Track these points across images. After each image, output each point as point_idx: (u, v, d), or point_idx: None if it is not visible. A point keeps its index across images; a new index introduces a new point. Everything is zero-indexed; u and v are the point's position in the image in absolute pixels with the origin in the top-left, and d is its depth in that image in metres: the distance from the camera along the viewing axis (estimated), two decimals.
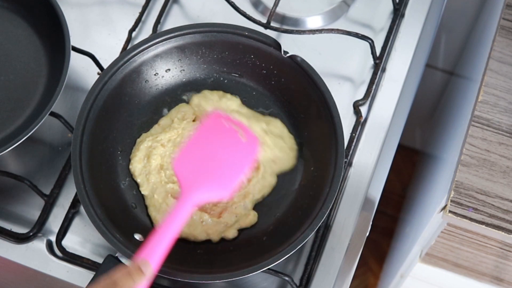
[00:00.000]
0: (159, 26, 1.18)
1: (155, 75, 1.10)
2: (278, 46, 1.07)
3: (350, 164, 1.11)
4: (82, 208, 1.04)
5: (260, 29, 1.13)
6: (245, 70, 1.10)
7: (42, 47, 1.13)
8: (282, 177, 1.07)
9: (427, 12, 1.22)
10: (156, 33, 1.11)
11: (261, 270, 0.96)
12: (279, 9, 1.19)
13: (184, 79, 1.11)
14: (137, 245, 0.99)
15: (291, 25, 1.20)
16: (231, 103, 1.09)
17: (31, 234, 1.05)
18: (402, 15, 1.21)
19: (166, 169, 1.05)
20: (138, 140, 1.08)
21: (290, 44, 1.17)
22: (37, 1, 1.11)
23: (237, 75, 1.11)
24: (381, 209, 1.84)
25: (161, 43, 1.08)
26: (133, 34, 1.18)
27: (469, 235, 1.18)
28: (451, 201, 1.07)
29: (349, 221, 1.07)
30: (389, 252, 1.90)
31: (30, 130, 1.02)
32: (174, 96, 1.10)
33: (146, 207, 1.05)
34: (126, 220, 1.03)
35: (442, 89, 1.76)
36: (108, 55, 1.15)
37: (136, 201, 1.05)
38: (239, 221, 1.04)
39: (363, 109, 1.14)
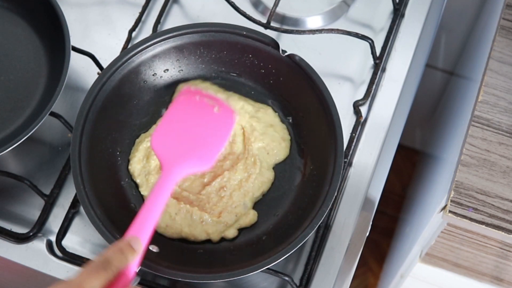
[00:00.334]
0: (159, 26, 1.18)
1: (153, 75, 1.10)
2: (276, 45, 1.07)
3: (350, 164, 1.11)
4: (82, 208, 1.04)
5: (260, 29, 1.13)
6: (243, 70, 1.10)
7: (42, 47, 1.13)
8: (282, 177, 1.07)
9: (427, 12, 1.22)
10: (154, 33, 1.11)
11: (261, 269, 0.96)
12: (279, 9, 1.19)
13: (182, 79, 1.11)
14: None
15: (291, 25, 1.20)
16: (216, 89, 1.09)
17: (31, 234, 1.05)
18: (402, 15, 1.21)
19: None
20: (137, 140, 1.08)
21: (290, 44, 1.17)
22: (37, 1, 1.11)
23: (235, 75, 1.11)
24: (381, 209, 1.85)
25: (159, 43, 1.08)
26: (133, 34, 1.18)
27: (469, 235, 1.18)
28: (451, 201, 1.07)
29: (349, 221, 1.07)
30: (389, 252, 1.90)
31: (30, 130, 1.02)
32: (173, 96, 1.10)
33: None
34: (126, 220, 1.02)
35: (442, 89, 1.76)
36: (108, 55, 1.15)
37: (136, 201, 1.05)
38: (239, 220, 1.04)
39: (363, 109, 1.14)
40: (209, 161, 0.99)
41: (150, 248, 1.00)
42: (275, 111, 1.09)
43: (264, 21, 1.16)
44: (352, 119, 1.13)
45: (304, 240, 0.96)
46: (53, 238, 1.06)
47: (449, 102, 1.60)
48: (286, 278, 1.01)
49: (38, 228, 1.06)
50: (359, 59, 1.18)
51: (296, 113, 1.09)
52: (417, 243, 1.30)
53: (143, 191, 1.05)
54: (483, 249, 1.20)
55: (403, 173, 2.04)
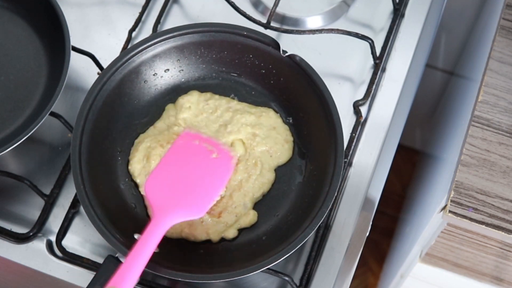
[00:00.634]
0: (159, 26, 1.18)
1: (154, 75, 1.10)
2: (276, 45, 1.07)
3: (350, 164, 1.11)
4: (82, 208, 1.04)
5: (260, 29, 1.13)
6: (244, 70, 1.10)
7: (42, 47, 1.13)
8: (282, 176, 1.07)
9: (427, 12, 1.22)
10: (155, 33, 1.11)
11: (261, 269, 0.96)
12: (279, 9, 1.19)
13: (183, 79, 1.11)
14: None
15: (291, 25, 1.20)
16: (219, 103, 1.09)
17: (31, 234, 1.05)
18: (402, 15, 1.21)
19: None
20: (136, 141, 1.08)
21: (290, 44, 1.17)
22: (37, 1, 1.11)
23: (236, 75, 1.11)
24: (381, 209, 1.85)
25: (159, 43, 1.08)
26: (133, 34, 1.18)
27: (469, 235, 1.18)
28: (451, 201, 1.07)
29: (349, 221, 1.07)
30: (389, 252, 1.91)
31: (30, 130, 1.02)
32: (173, 96, 1.10)
33: (145, 207, 1.05)
34: (126, 220, 1.03)
35: (442, 89, 1.76)
36: (108, 55, 1.15)
37: (136, 201, 1.05)
38: (239, 220, 1.04)
39: (363, 109, 1.14)
40: (201, 211, 0.97)
41: (135, 236, 1.00)
42: (277, 112, 1.09)
43: (264, 21, 1.16)
44: (352, 119, 1.13)
45: (304, 240, 0.96)
46: (53, 238, 1.06)
47: (449, 102, 1.60)
48: (286, 278, 1.01)
49: (38, 228, 1.06)
50: (359, 59, 1.18)
51: (296, 113, 1.09)
52: (417, 243, 1.30)
53: (143, 191, 1.05)
54: (483, 249, 1.20)
55: (403, 173, 2.04)
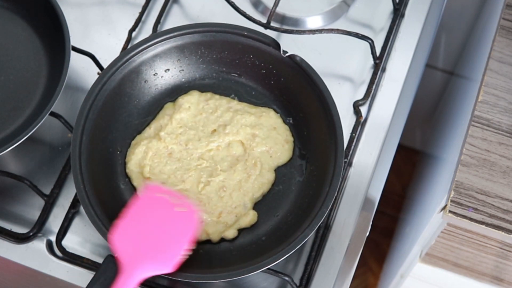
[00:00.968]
0: (159, 26, 1.18)
1: (154, 75, 1.10)
2: (277, 45, 1.07)
3: (350, 164, 1.11)
4: (82, 208, 1.04)
5: (260, 29, 1.13)
6: (244, 70, 1.10)
7: (42, 47, 1.13)
8: (282, 177, 1.07)
9: (427, 12, 1.22)
10: (155, 33, 1.11)
11: (261, 269, 0.96)
12: (279, 9, 1.19)
13: (183, 79, 1.11)
14: None
15: (291, 25, 1.20)
16: (219, 103, 1.09)
17: (31, 234, 1.05)
18: (402, 15, 1.21)
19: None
20: (133, 142, 1.08)
21: (290, 44, 1.17)
22: (37, 1, 1.11)
23: (236, 75, 1.11)
24: (381, 209, 1.85)
25: (160, 43, 1.08)
26: (133, 34, 1.18)
27: (469, 235, 1.18)
28: (451, 201, 1.07)
29: (349, 221, 1.07)
30: (389, 252, 1.90)
31: (30, 130, 1.02)
32: (173, 96, 1.10)
33: None
34: None
35: (442, 89, 1.76)
36: (108, 55, 1.15)
37: None
38: (239, 221, 1.04)
39: (363, 109, 1.14)
40: (170, 264, 0.95)
41: None
42: (277, 112, 1.09)
43: (264, 21, 1.16)
44: (352, 119, 1.13)
45: (304, 241, 0.96)
46: (53, 238, 1.06)
47: (449, 102, 1.60)
48: (286, 278, 1.01)
49: (38, 228, 1.06)
50: (359, 59, 1.18)
51: (297, 113, 1.09)
52: (417, 243, 1.30)
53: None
54: (483, 249, 1.20)
55: (403, 173, 2.04)
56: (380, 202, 1.11)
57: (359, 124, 1.12)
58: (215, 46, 1.09)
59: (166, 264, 0.95)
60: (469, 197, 1.07)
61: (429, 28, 1.22)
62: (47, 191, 1.07)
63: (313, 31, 1.14)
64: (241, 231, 1.04)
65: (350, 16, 1.21)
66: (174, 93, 1.10)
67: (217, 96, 1.10)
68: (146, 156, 1.06)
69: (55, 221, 1.07)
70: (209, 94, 1.10)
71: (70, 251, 1.05)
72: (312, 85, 1.05)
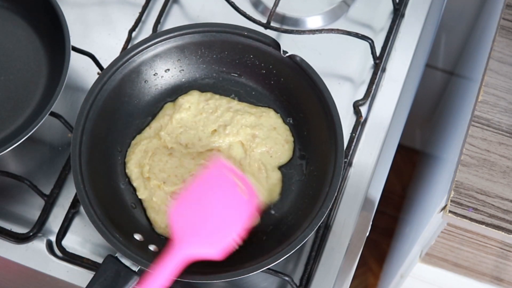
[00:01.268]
0: (159, 26, 1.18)
1: (154, 75, 1.10)
2: (277, 45, 1.07)
3: (350, 164, 1.11)
4: (82, 208, 1.04)
5: (260, 29, 1.13)
6: (244, 70, 1.10)
7: (42, 47, 1.13)
8: (282, 177, 1.07)
9: (427, 12, 1.22)
10: (155, 33, 1.11)
11: (261, 270, 0.96)
12: (279, 9, 1.19)
13: (183, 79, 1.11)
14: (137, 245, 0.99)
15: (291, 25, 1.20)
16: (219, 103, 1.09)
17: (31, 234, 1.05)
18: (402, 15, 1.21)
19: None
20: (133, 142, 1.08)
21: (290, 44, 1.17)
22: (37, 1, 1.11)
23: (236, 75, 1.11)
24: (381, 209, 1.85)
25: (160, 43, 1.08)
26: (133, 34, 1.18)
27: (469, 235, 1.18)
28: (451, 201, 1.07)
29: (349, 221, 1.07)
30: (389, 252, 1.91)
31: (30, 130, 1.02)
32: (173, 96, 1.10)
33: (144, 209, 1.04)
34: (126, 220, 1.03)
35: (442, 89, 1.76)
36: (108, 55, 1.15)
37: (136, 201, 1.05)
38: None
39: (363, 109, 1.14)
40: (219, 250, 0.94)
41: (135, 236, 1.00)
42: (277, 112, 1.09)
43: (264, 21, 1.16)
44: (352, 119, 1.13)
45: (304, 241, 0.96)
46: (53, 238, 1.06)
47: (449, 102, 1.60)
48: (286, 278, 1.01)
49: (38, 228, 1.06)
50: (359, 59, 1.18)
51: (297, 113, 1.09)
52: (417, 243, 1.30)
53: (140, 195, 1.05)
54: (483, 249, 1.20)
55: (403, 173, 2.04)
56: (380, 202, 1.11)
57: (359, 124, 1.12)
58: (215, 46, 1.09)
59: (216, 247, 0.94)
60: (469, 197, 1.07)
61: (429, 28, 1.22)
62: (47, 191, 1.07)
63: (313, 31, 1.14)
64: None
65: (350, 16, 1.21)
66: (174, 93, 1.10)
67: (217, 96, 1.10)
68: (146, 155, 1.06)
69: (55, 221, 1.07)
70: (209, 94, 1.10)
71: (70, 251, 1.05)
72: (312, 85, 1.05)
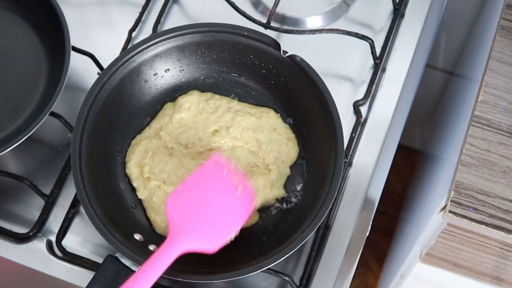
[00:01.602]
0: (159, 26, 1.18)
1: (154, 75, 1.10)
2: (277, 45, 1.07)
3: (350, 164, 1.11)
4: (82, 208, 1.04)
5: (260, 29, 1.13)
6: (244, 70, 1.10)
7: (42, 47, 1.13)
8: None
9: (427, 12, 1.22)
10: (155, 33, 1.11)
11: (261, 270, 0.96)
12: (279, 9, 1.19)
13: (183, 79, 1.11)
14: (137, 245, 0.99)
15: (291, 25, 1.20)
16: (219, 103, 1.09)
17: (31, 234, 1.05)
18: (402, 15, 1.21)
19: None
20: (133, 142, 1.08)
21: (290, 44, 1.17)
22: (37, 1, 1.11)
23: (236, 75, 1.11)
24: (381, 209, 1.84)
25: (160, 43, 1.08)
26: (133, 34, 1.18)
27: (469, 235, 1.18)
28: (451, 201, 1.07)
29: (349, 221, 1.07)
30: (389, 252, 1.91)
31: (30, 130, 1.02)
32: (173, 96, 1.10)
33: (144, 209, 1.04)
34: (125, 220, 1.03)
35: (442, 89, 1.76)
36: (108, 55, 1.15)
37: (136, 201, 1.05)
38: None
39: (363, 109, 1.14)
40: (215, 244, 0.94)
41: (135, 236, 1.00)
42: (277, 112, 1.09)
43: (264, 21, 1.16)
44: (352, 119, 1.13)
45: (304, 241, 0.96)
46: (53, 238, 1.06)
47: (449, 102, 1.60)
48: (286, 278, 1.01)
49: (38, 228, 1.06)
50: (359, 59, 1.18)
51: (297, 114, 1.09)
52: (417, 243, 1.30)
53: (140, 195, 1.05)
54: (483, 249, 1.20)
55: (403, 173, 2.04)
56: (380, 202, 1.11)
57: (359, 124, 1.12)
58: (215, 46, 1.09)
59: (211, 242, 0.94)
60: (469, 197, 1.07)
61: (429, 28, 1.22)
62: (47, 191, 1.07)
63: (313, 31, 1.14)
64: (241, 230, 1.04)
65: (350, 16, 1.21)
66: (174, 93, 1.10)
67: (217, 96, 1.10)
68: (146, 155, 1.06)
69: (55, 221, 1.07)
70: (209, 94, 1.10)
71: (70, 251, 1.05)
72: (312, 85, 1.05)
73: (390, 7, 1.22)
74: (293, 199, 1.05)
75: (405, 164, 2.03)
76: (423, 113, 1.85)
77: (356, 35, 1.15)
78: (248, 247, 1.02)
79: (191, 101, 1.09)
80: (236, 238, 1.03)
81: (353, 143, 1.11)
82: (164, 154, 1.06)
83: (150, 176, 1.05)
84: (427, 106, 1.83)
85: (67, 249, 1.05)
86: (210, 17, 1.20)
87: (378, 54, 1.17)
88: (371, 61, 1.17)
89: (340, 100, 1.11)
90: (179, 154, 1.06)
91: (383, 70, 1.17)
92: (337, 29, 1.15)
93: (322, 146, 1.04)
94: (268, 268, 0.97)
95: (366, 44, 1.16)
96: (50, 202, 1.07)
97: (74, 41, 1.11)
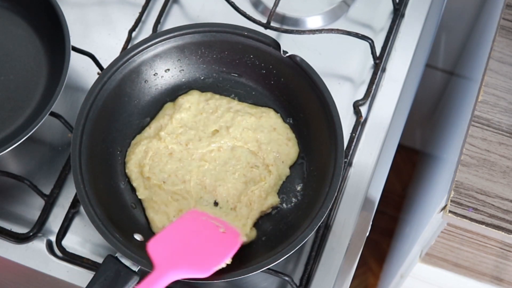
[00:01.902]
0: (159, 26, 1.18)
1: (154, 75, 1.10)
2: (277, 45, 1.07)
3: (350, 164, 1.11)
4: (82, 208, 1.04)
5: (260, 29, 1.13)
6: (244, 70, 1.10)
7: (42, 47, 1.13)
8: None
9: (427, 12, 1.22)
10: (155, 33, 1.11)
11: (261, 270, 0.96)
12: (279, 9, 1.19)
13: (183, 79, 1.11)
14: (137, 245, 0.99)
15: (291, 25, 1.20)
16: (219, 103, 1.09)
17: (31, 234, 1.05)
18: (402, 15, 1.21)
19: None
20: (133, 142, 1.08)
21: (290, 44, 1.17)
22: (37, 1, 1.11)
23: (236, 75, 1.11)
24: (381, 209, 1.85)
25: (160, 43, 1.08)
26: (133, 34, 1.18)
27: (469, 235, 1.18)
28: (451, 201, 1.07)
29: (349, 221, 1.07)
30: (389, 252, 1.91)
31: (30, 130, 1.02)
32: (173, 96, 1.10)
33: (144, 209, 1.04)
34: (125, 220, 1.03)
35: (442, 89, 1.76)
36: (108, 55, 1.15)
37: (136, 201, 1.05)
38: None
39: (363, 109, 1.14)
40: (206, 270, 0.94)
41: (135, 236, 1.00)
42: (277, 112, 1.09)
43: (264, 21, 1.16)
44: (352, 119, 1.13)
45: (304, 241, 0.96)
46: (53, 238, 1.06)
47: (449, 102, 1.60)
48: (286, 278, 1.01)
49: (38, 228, 1.06)
50: (359, 59, 1.18)
51: (297, 114, 1.09)
52: (417, 243, 1.30)
53: (140, 195, 1.05)
54: (483, 249, 1.20)
55: (403, 173, 2.04)
56: (380, 202, 1.11)
57: (359, 124, 1.12)
58: (215, 46, 1.09)
59: (200, 270, 0.94)
60: (469, 197, 1.07)
61: (429, 28, 1.22)
62: (47, 191, 1.07)
63: (313, 31, 1.14)
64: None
65: (350, 16, 1.21)
66: (174, 93, 1.10)
67: (217, 96, 1.10)
68: (146, 155, 1.06)
69: (55, 221, 1.07)
70: (209, 94, 1.10)
71: (70, 251, 1.05)
72: (312, 85, 1.05)
73: (390, 7, 1.22)
74: (293, 199, 1.05)
75: (405, 164, 2.03)
76: (423, 113, 1.85)
77: (356, 35, 1.15)
78: (248, 247, 1.02)
79: (191, 101, 1.09)
80: None
81: (353, 143, 1.11)
82: (164, 154, 1.06)
83: (150, 176, 1.05)
84: (427, 106, 1.83)
85: (67, 249, 1.05)
86: (210, 17, 1.20)
87: (378, 54, 1.17)
88: (371, 61, 1.17)
89: (340, 100, 1.11)
90: (179, 154, 1.06)
91: (383, 70, 1.17)
92: (337, 29, 1.15)
93: (322, 146, 1.04)
94: (268, 268, 0.97)
95: (366, 44, 1.16)
96: (50, 202, 1.07)
97: (74, 41, 1.11)
